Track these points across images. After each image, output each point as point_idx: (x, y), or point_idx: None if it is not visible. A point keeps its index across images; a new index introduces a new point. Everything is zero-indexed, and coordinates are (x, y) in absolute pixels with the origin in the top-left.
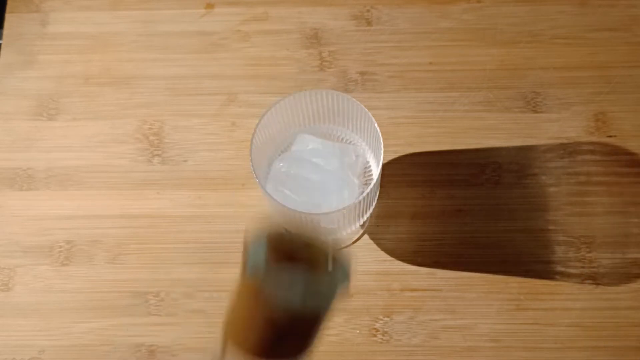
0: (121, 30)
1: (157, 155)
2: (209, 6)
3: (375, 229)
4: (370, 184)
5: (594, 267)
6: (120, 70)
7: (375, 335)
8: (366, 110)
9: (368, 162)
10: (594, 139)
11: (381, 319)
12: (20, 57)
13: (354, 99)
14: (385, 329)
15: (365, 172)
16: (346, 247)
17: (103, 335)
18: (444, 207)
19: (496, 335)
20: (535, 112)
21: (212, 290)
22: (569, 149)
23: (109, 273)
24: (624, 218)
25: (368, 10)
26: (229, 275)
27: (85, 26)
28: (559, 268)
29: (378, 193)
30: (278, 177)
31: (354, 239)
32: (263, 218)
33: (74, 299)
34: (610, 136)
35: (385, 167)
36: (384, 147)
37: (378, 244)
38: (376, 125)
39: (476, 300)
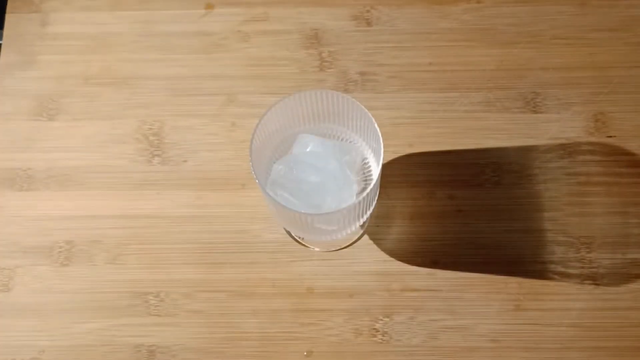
0: (121, 30)
1: (157, 155)
2: (209, 6)
3: (375, 229)
4: (370, 184)
5: (593, 268)
6: (120, 70)
7: (375, 336)
8: (366, 110)
9: (368, 162)
10: (593, 139)
11: (381, 320)
12: (20, 57)
13: (354, 99)
14: (385, 330)
15: (365, 172)
16: (349, 245)
17: (103, 335)
18: (444, 207)
19: (496, 335)
20: (535, 112)
21: (212, 290)
22: (568, 149)
23: (109, 273)
24: (623, 218)
25: (368, 11)
26: (229, 276)
27: (85, 26)
28: (559, 268)
29: (378, 193)
30: (277, 181)
31: (354, 240)
32: None
33: (74, 299)
34: (610, 136)
35: (385, 167)
36: (384, 147)
37: (378, 244)
38: (376, 125)
39: (476, 301)
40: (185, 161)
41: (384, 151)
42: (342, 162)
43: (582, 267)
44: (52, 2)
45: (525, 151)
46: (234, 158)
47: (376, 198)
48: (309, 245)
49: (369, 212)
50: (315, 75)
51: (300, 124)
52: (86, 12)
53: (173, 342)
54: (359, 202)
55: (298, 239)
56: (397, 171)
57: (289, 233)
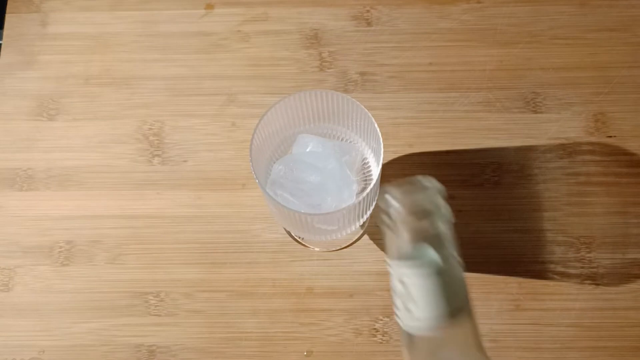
0: (121, 30)
1: (157, 155)
2: (209, 6)
3: (375, 229)
4: (370, 184)
5: (593, 268)
6: (120, 70)
7: (375, 336)
8: (366, 110)
9: (368, 162)
10: (593, 139)
11: (381, 320)
12: (20, 57)
13: (354, 99)
14: (385, 330)
15: (365, 172)
16: (349, 245)
17: (103, 335)
18: None
19: (496, 335)
20: (535, 112)
21: (212, 290)
22: (568, 149)
23: (109, 273)
24: (623, 218)
25: (368, 11)
26: (229, 276)
27: (85, 26)
28: (559, 268)
29: (378, 193)
30: (277, 181)
31: (354, 239)
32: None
33: (74, 299)
34: (610, 136)
35: (385, 167)
36: (384, 147)
37: (378, 244)
38: (376, 125)
39: (476, 301)
40: (185, 161)
41: (384, 151)
42: (342, 162)
43: (582, 267)
44: (52, 2)
45: (525, 151)
46: (234, 158)
47: (376, 198)
48: (309, 245)
49: (369, 212)
50: (315, 75)
51: (300, 124)
52: (86, 12)
53: (173, 342)
54: (359, 202)
55: (298, 239)
56: (397, 171)
57: (289, 233)
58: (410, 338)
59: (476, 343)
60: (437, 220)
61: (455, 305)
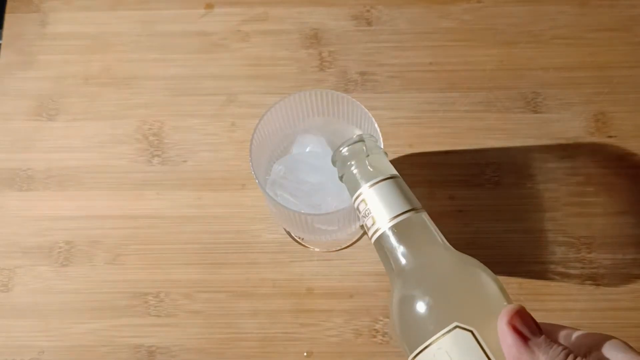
0: (121, 30)
1: (157, 155)
2: (209, 6)
3: None
4: None
5: (594, 268)
6: (120, 70)
7: (375, 337)
8: (366, 110)
9: None
10: (594, 139)
11: (381, 320)
12: (20, 57)
13: (354, 99)
14: (385, 330)
15: None
16: (349, 246)
17: (103, 336)
18: (444, 207)
19: None
20: (535, 112)
21: (212, 291)
22: (569, 149)
23: (109, 274)
24: (624, 218)
25: (368, 11)
26: (229, 276)
27: (85, 26)
28: (559, 269)
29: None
30: (277, 182)
31: (354, 240)
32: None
33: (73, 299)
34: (611, 136)
35: None
36: (384, 147)
37: None
38: (376, 125)
39: None
40: (185, 161)
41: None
42: None
43: (583, 268)
44: (52, 2)
45: (525, 151)
46: (234, 158)
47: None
48: (309, 246)
49: None
50: (315, 75)
51: (300, 124)
52: (86, 12)
53: (173, 343)
54: None
55: (298, 239)
56: (397, 171)
57: (289, 233)
58: (381, 245)
59: (435, 238)
60: (369, 150)
61: (410, 205)
